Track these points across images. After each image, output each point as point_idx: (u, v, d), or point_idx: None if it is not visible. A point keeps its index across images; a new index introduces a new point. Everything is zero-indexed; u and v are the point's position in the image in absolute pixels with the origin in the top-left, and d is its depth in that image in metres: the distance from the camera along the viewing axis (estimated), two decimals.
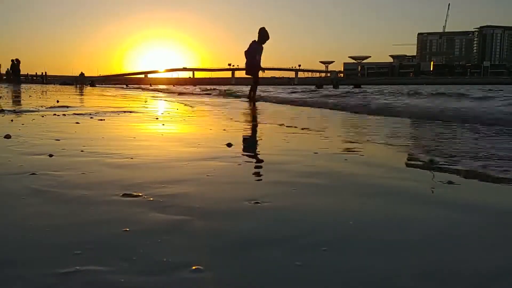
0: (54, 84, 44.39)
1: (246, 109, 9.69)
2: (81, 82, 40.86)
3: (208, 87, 35.21)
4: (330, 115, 8.20)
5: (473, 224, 1.59)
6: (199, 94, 22.70)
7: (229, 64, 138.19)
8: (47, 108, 7.65)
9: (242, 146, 3.58)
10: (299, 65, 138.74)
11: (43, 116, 5.81)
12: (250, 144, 3.89)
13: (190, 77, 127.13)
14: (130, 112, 7.29)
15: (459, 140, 4.06)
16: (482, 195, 2.03)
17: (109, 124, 5.17)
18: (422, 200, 1.89)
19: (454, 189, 2.08)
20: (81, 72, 50.07)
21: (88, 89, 31.76)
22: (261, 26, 12.49)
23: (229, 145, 3.31)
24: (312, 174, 2.37)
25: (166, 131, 4.60)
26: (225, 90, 24.80)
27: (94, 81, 48.79)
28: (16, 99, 11.48)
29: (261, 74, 12.92)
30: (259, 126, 5.70)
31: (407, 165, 2.90)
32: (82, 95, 18.02)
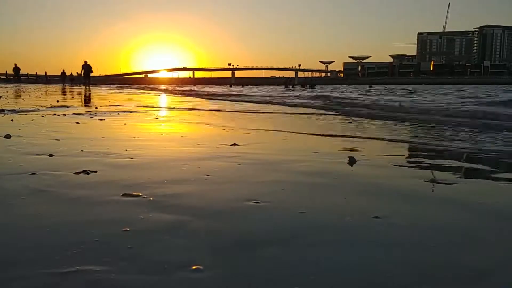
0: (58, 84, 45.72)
1: None
2: (79, 82, 42.91)
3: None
4: None
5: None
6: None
7: (229, 64, 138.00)
8: (47, 108, 7.65)
9: None
10: (299, 65, 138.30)
11: (43, 116, 5.81)
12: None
13: (190, 77, 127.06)
14: (130, 112, 7.29)
15: None
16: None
17: (109, 124, 5.16)
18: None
19: None
20: (77, 73, 52.12)
21: (85, 88, 31.78)
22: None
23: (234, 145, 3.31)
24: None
25: (166, 131, 4.60)
26: None
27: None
28: (18, 98, 11.48)
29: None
30: None
31: None
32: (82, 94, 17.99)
